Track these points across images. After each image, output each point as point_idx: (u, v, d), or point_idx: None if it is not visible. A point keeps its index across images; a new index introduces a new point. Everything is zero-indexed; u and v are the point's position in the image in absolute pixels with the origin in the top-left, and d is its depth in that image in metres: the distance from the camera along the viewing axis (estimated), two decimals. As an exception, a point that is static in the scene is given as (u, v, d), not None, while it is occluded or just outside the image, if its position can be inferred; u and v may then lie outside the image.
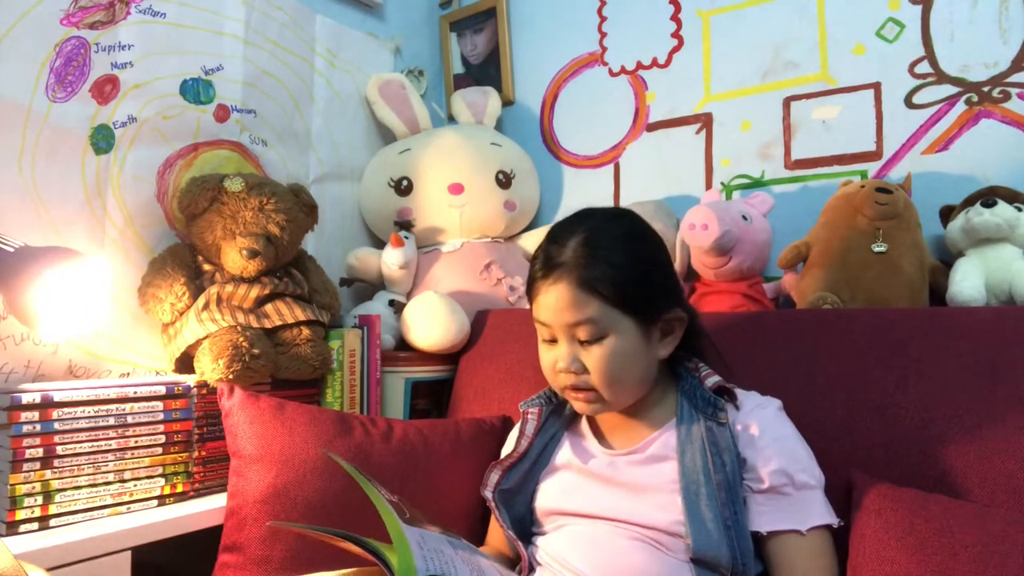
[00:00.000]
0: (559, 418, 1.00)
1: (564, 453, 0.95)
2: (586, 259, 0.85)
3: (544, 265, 0.88)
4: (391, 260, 1.48)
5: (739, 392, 0.91)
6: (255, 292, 1.21)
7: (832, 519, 0.82)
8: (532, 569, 0.91)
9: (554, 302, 0.86)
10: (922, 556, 0.74)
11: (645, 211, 1.15)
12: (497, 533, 1.04)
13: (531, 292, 0.91)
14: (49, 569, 0.82)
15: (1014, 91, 1.19)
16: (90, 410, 0.98)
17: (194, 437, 1.09)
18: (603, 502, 0.88)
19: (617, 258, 0.86)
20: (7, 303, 0.90)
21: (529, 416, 0.99)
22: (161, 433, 1.05)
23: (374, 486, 0.75)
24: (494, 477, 0.96)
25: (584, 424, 0.98)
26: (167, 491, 1.06)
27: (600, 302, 0.85)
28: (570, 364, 0.87)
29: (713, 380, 0.90)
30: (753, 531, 0.82)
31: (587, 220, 0.90)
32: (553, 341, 0.90)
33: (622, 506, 0.86)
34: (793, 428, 0.88)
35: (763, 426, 0.86)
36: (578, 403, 0.91)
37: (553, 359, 0.90)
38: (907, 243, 1.14)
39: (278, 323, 1.21)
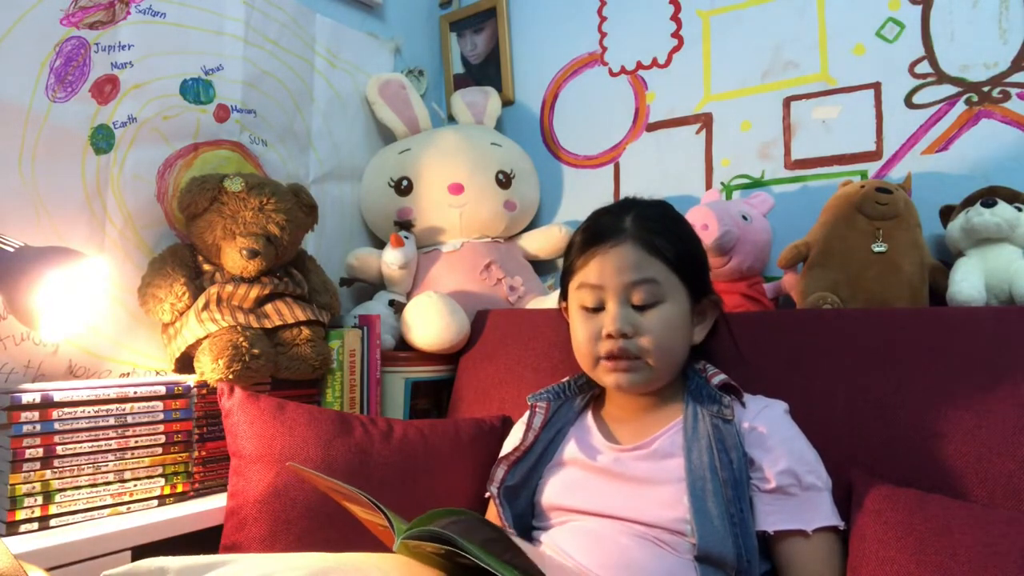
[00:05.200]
0: (566, 413, 1.00)
1: (570, 448, 0.95)
2: (648, 227, 0.90)
3: (600, 233, 0.91)
4: (391, 260, 1.48)
5: (746, 394, 0.92)
6: (255, 292, 1.21)
7: (838, 521, 0.83)
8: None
9: (616, 261, 0.88)
10: (922, 556, 0.74)
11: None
12: None
13: (576, 263, 0.93)
14: (49, 569, 0.82)
15: (1014, 91, 1.19)
16: (90, 410, 0.98)
17: (194, 437, 1.09)
18: (608, 499, 0.88)
19: (675, 230, 0.92)
20: (7, 303, 0.90)
21: (537, 409, 0.99)
22: (161, 433, 1.05)
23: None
24: (500, 473, 0.96)
25: (590, 419, 0.98)
26: (167, 491, 1.06)
27: (663, 264, 0.88)
28: (623, 324, 0.87)
29: (719, 378, 0.91)
30: (760, 530, 0.82)
31: (635, 204, 0.95)
32: (597, 310, 0.91)
33: (627, 503, 0.86)
34: (799, 431, 0.88)
35: (770, 427, 0.86)
36: (616, 375, 0.90)
37: (596, 327, 0.90)
38: (907, 243, 1.14)
39: (278, 323, 1.21)
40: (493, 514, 1.02)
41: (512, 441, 1.03)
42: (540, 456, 0.97)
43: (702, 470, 0.83)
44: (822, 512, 0.82)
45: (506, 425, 1.21)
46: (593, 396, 1.02)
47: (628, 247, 0.88)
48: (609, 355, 0.89)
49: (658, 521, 0.83)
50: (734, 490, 0.82)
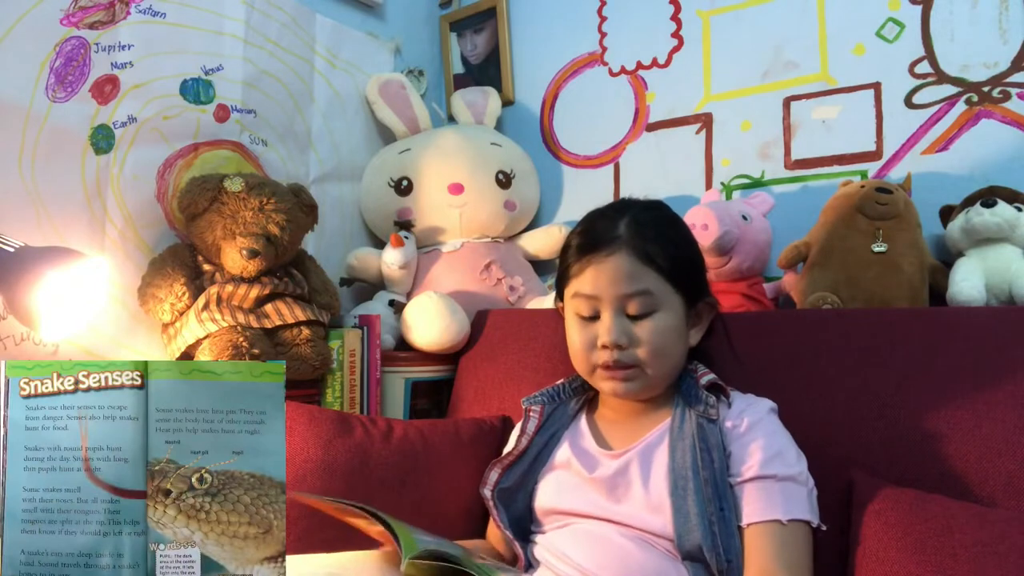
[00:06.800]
0: (561, 416, 1.00)
1: (563, 452, 0.95)
2: (643, 234, 0.88)
3: (594, 240, 0.90)
4: (391, 260, 1.48)
5: (733, 393, 0.91)
6: (255, 292, 1.21)
7: (815, 519, 0.81)
8: (530, 567, 0.91)
9: (610, 271, 0.87)
10: (922, 556, 0.74)
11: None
12: (494, 533, 1.04)
13: (572, 269, 0.92)
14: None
15: (1014, 91, 1.19)
16: (90, 410, 0.98)
17: (194, 437, 1.09)
18: (600, 503, 0.88)
19: (670, 235, 0.91)
20: (7, 303, 0.90)
21: (531, 413, 0.99)
22: (161, 433, 1.05)
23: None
24: (493, 476, 0.96)
25: (584, 423, 0.98)
26: (167, 491, 1.05)
27: (657, 275, 0.87)
28: (618, 336, 0.86)
29: (708, 378, 0.91)
30: (738, 524, 0.81)
31: (630, 206, 0.94)
32: (593, 318, 0.90)
33: (619, 508, 0.86)
34: (783, 429, 0.87)
35: (752, 422, 0.86)
36: (613, 383, 0.89)
37: (591, 336, 0.89)
38: (907, 243, 1.14)
39: (278, 323, 1.21)
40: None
41: (510, 447, 1.03)
42: (535, 459, 0.97)
43: (684, 469, 0.83)
44: (799, 505, 0.81)
45: (506, 425, 1.21)
46: (587, 399, 1.02)
47: (622, 256, 0.87)
48: (605, 365, 0.89)
49: (646, 526, 0.83)
50: (714, 489, 0.81)
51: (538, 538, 0.93)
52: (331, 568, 0.68)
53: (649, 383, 0.89)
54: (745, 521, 0.81)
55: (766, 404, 0.89)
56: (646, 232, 0.88)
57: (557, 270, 0.99)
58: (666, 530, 0.82)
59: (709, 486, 0.81)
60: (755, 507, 0.81)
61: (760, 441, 0.84)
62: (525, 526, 0.96)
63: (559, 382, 1.03)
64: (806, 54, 1.38)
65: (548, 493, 0.94)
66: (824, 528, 0.81)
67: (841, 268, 1.15)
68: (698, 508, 0.80)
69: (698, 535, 0.79)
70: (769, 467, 0.82)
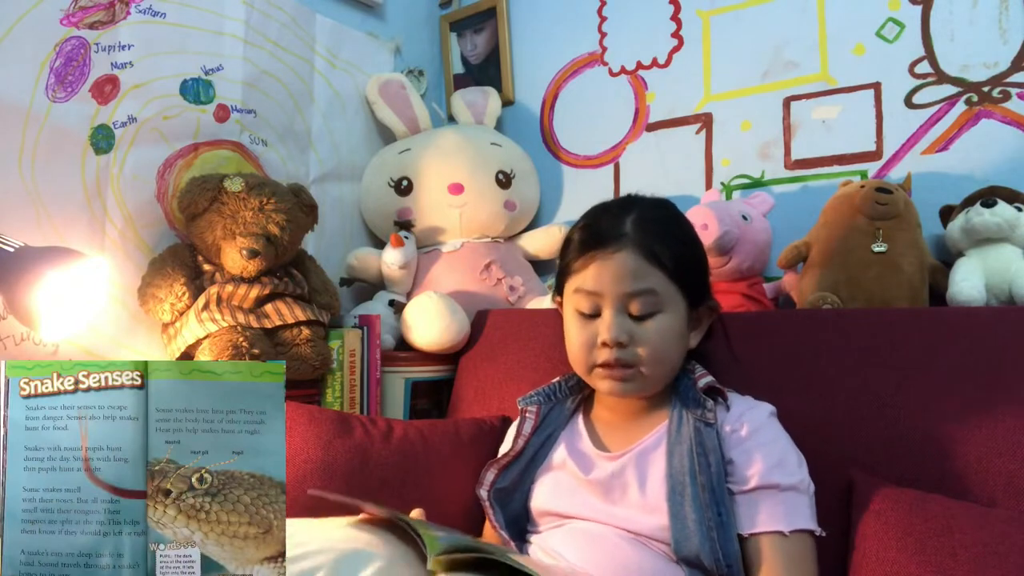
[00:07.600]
0: (557, 416, 1.00)
1: (560, 453, 0.95)
2: (649, 232, 0.87)
3: (599, 236, 0.88)
4: (391, 260, 1.48)
5: (731, 395, 0.90)
6: (255, 292, 1.21)
7: (815, 526, 0.81)
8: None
9: (616, 269, 0.86)
10: (922, 556, 0.74)
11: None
12: (491, 534, 1.04)
13: (574, 264, 0.91)
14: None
15: (1014, 91, 1.19)
16: (90, 410, 0.98)
17: (194, 437, 1.09)
18: (596, 505, 0.87)
19: (677, 234, 0.90)
20: (7, 303, 0.90)
21: (527, 415, 0.99)
22: (161, 433, 1.05)
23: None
24: (489, 476, 0.96)
25: (581, 423, 0.97)
26: (167, 491, 1.05)
27: (662, 274, 0.86)
28: (619, 334, 0.85)
29: (705, 381, 0.90)
30: (738, 533, 0.81)
31: (636, 203, 0.92)
32: (593, 316, 0.88)
33: (615, 510, 0.86)
34: (784, 433, 0.87)
35: (752, 428, 0.85)
36: (610, 382, 0.88)
37: (592, 333, 0.88)
38: (907, 243, 1.14)
39: (278, 323, 1.21)
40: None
41: (506, 447, 1.03)
42: (531, 460, 0.96)
43: (681, 474, 0.82)
44: (801, 514, 0.80)
45: (506, 425, 1.21)
46: (583, 397, 1.01)
47: (628, 254, 0.86)
48: (605, 363, 0.87)
49: (641, 528, 0.83)
50: (712, 494, 0.80)
51: (533, 538, 0.93)
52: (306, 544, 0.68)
53: (646, 384, 0.89)
54: (748, 531, 0.80)
55: (766, 408, 0.89)
56: (653, 230, 0.87)
57: (558, 265, 0.97)
58: (662, 532, 0.82)
59: (706, 491, 0.81)
60: (758, 518, 0.80)
61: (762, 449, 0.83)
62: (522, 526, 0.96)
63: (555, 380, 1.03)
64: (806, 54, 1.38)
65: (544, 494, 0.93)
66: (824, 534, 0.81)
67: (841, 268, 1.15)
68: (696, 514, 0.79)
69: (696, 542, 0.78)
70: (771, 476, 0.81)
